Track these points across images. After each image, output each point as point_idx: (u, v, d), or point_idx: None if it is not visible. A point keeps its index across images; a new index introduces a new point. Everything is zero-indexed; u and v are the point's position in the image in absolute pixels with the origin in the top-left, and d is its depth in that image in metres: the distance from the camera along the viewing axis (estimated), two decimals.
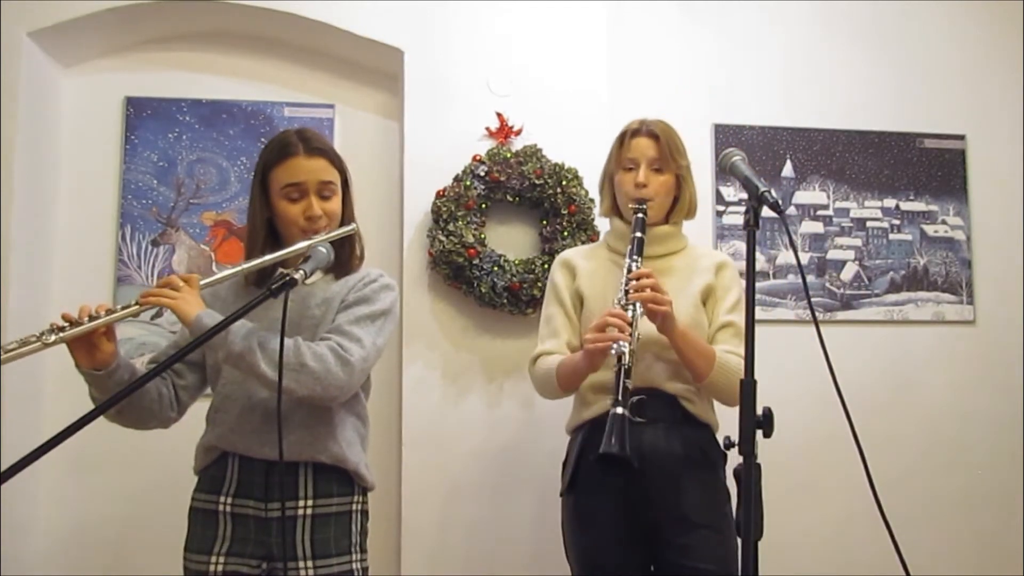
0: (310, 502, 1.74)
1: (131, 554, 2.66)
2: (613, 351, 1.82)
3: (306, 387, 1.64)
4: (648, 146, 2.08)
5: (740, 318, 2.06)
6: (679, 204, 2.14)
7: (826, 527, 2.92)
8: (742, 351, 1.95)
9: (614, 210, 2.18)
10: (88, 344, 1.62)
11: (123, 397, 1.43)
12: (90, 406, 1.26)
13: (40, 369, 2.65)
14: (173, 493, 2.67)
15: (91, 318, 1.57)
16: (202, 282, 1.66)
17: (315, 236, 1.74)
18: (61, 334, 1.54)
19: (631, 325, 1.85)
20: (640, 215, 2.03)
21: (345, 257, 1.83)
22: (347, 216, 1.84)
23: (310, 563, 1.71)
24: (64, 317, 1.57)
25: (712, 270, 2.10)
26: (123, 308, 1.58)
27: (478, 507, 2.68)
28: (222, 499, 1.76)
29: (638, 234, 2.00)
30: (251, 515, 1.73)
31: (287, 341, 1.64)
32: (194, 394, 1.88)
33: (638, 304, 1.88)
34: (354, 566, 1.76)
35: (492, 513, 2.67)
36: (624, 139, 2.11)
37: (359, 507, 1.81)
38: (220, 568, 1.72)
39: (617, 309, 1.88)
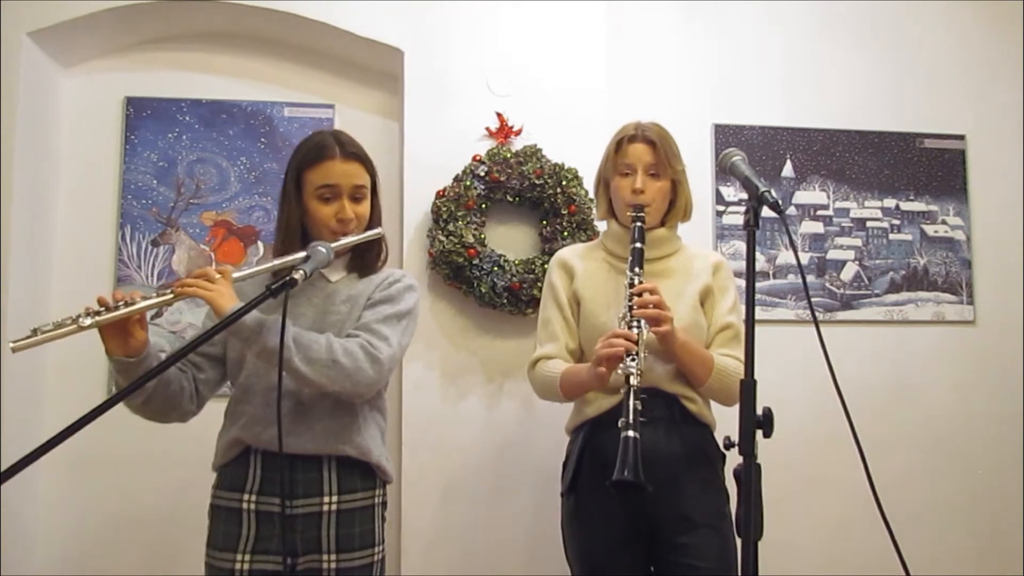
0: (335, 498, 1.77)
1: (131, 554, 2.66)
2: (620, 372, 1.83)
3: (337, 383, 1.69)
4: (644, 152, 2.07)
5: (738, 319, 2.06)
6: (675, 208, 2.14)
7: (826, 527, 2.92)
8: (739, 353, 1.97)
9: (610, 213, 2.18)
10: (121, 331, 1.64)
11: (143, 383, 1.44)
12: (90, 405, 1.26)
13: (40, 368, 2.65)
14: (174, 493, 2.69)
15: (126, 304, 1.58)
16: (235, 275, 1.69)
17: (343, 238, 1.79)
18: (97, 318, 1.55)
19: (637, 344, 1.84)
20: (639, 223, 2.03)
21: (372, 258, 1.90)
22: (375, 218, 1.90)
23: (334, 556, 1.75)
24: (99, 301, 1.58)
25: (709, 271, 2.11)
26: (158, 296, 1.61)
27: (477, 507, 2.68)
28: (246, 496, 1.77)
29: (638, 245, 2.00)
30: (276, 512, 1.74)
31: (320, 338, 1.70)
32: (213, 388, 1.90)
33: (643, 321, 1.88)
34: (376, 558, 1.81)
35: (491, 513, 2.68)
36: (620, 144, 2.10)
37: (380, 499, 1.86)
38: (246, 566, 1.74)
39: (623, 329, 1.88)
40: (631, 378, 1.80)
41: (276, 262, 1.72)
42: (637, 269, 1.96)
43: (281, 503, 1.72)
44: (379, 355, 1.72)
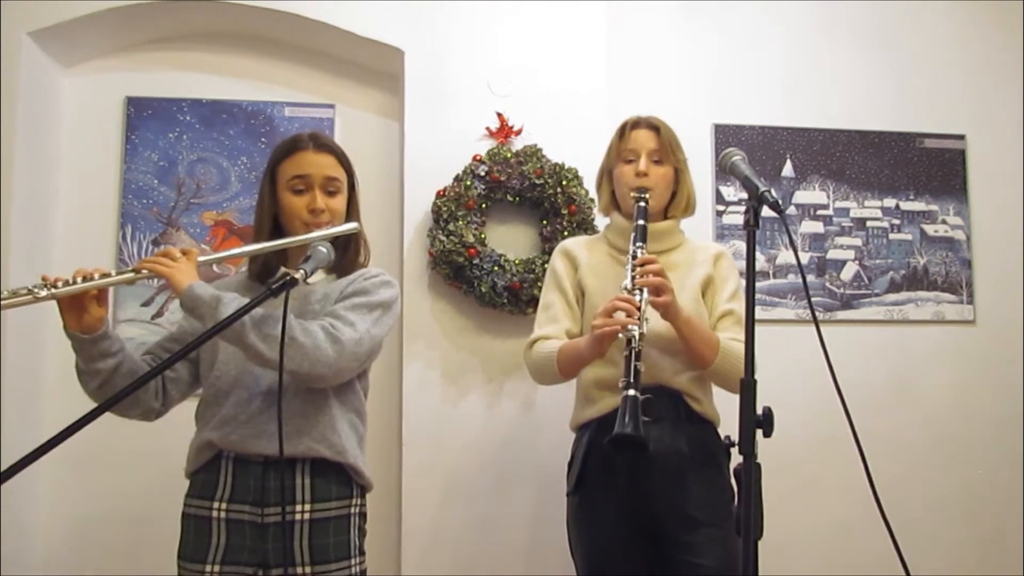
0: (308, 506, 1.71)
1: (132, 554, 2.65)
2: (622, 335, 1.83)
3: (293, 361, 1.61)
4: (648, 138, 2.11)
5: (740, 306, 2.06)
6: (677, 198, 2.15)
7: (826, 527, 2.92)
8: (742, 335, 1.97)
9: (613, 205, 2.19)
10: (78, 306, 1.62)
11: (131, 392, 1.43)
12: (90, 405, 1.26)
13: (40, 369, 2.65)
14: (174, 493, 2.68)
15: (85, 279, 1.57)
16: (200, 258, 1.67)
17: (316, 231, 1.74)
18: (53, 290, 1.53)
19: (639, 309, 1.85)
20: (642, 203, 2.05)
21: (349, 258, 1.85)
22: (352, 217, 1.86)
23: (308, 568, 1.69)
24: (57, 279, 1.57)
25: (710, 261, 2.12)
26: (119, 273, 1.60)
27: (478, 507, 2.67)
28: (216, 505, 1.73)
29: (641, 222, 2.02)
30: (247, 521, 1.70)
31: (277, 313, 1.62)
32: (184, 390, 1.86)
33: (645, 290, 1.89)
34: (353, 570, 1.74)
35: (492, 513, 2.67)
36: (624, 131, 2.14)
37: (357, 509, 1.79)
38: None
39: (624, 295, 1.89)
40: (633, 340, 1.81)
41: (246, 248, 1.73)
42: (640, 243, 1.98)
43: (282, 509, 1.68)
44: (340, 336, 1.65)
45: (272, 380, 1.69)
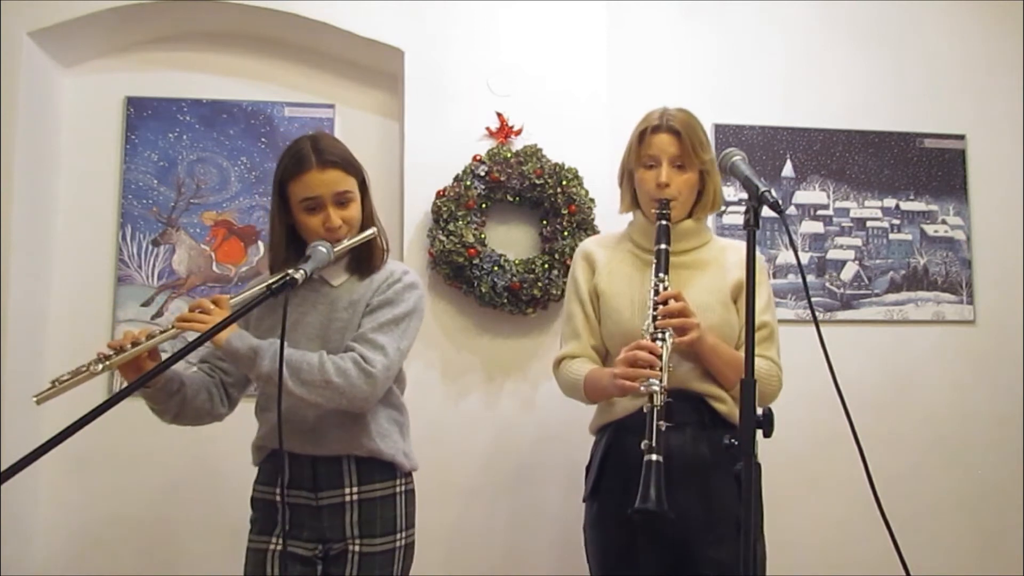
0: (355, 489, 1.86)
1: (131, 554, 2.66)
2: (643, 389, 1.76)
3: (333, 402, 1.78)
4: (669, 143, 1.96)
5: (772, 317, 2.00)
6: (703, 199, 2.04)
7: (826, 527, 2.92)
8: (772, 353, 1.94)
9: (635, 203, 2.08)
10: (135, 367, 1.74)
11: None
12: (90, 405, 1.26)
13: (40, 369, 2.65)
14: (173, 493, 2.69)
15: (134, 344, 1.70)
16: (232, 302, 1.75)
17: (337, 245, 1.81)
18: (107, 362, 1.67)
19: (661, 359, 1.78)
20: (663, 222, 1.93)
21: (371, 258, 1.92)
22: (367, 217, 1.91)
23: (358, 541, 1.85)
24: (110, 345, 1.71)
25: (741, 265, 2.03)
26: (162, 332, 1.72)
27: (477, 506, 2.68)
28: (278, 491, 1.87)
29: (662, 246, 1.91)
30: (303, 504, 1.86)
31: (312, 357, 1.76)
32: (242, 388, 2.00)
33: (668, 331, 1.82)
34: (398, 543, 1.88)
35: (491, 512, 2.68)
36: (644, 135, 1.99)
37: (403, 488, 1.92)
38: (279, 548, 1.86)
39: (647, 341, 1.81)
40: (655, 396, 1.73)
41: (271, 280, 1.73)
42: (662, 275, 1.88)
43: (281, 496, 1.83)
44: (373, 369, 1.77)
45: None
